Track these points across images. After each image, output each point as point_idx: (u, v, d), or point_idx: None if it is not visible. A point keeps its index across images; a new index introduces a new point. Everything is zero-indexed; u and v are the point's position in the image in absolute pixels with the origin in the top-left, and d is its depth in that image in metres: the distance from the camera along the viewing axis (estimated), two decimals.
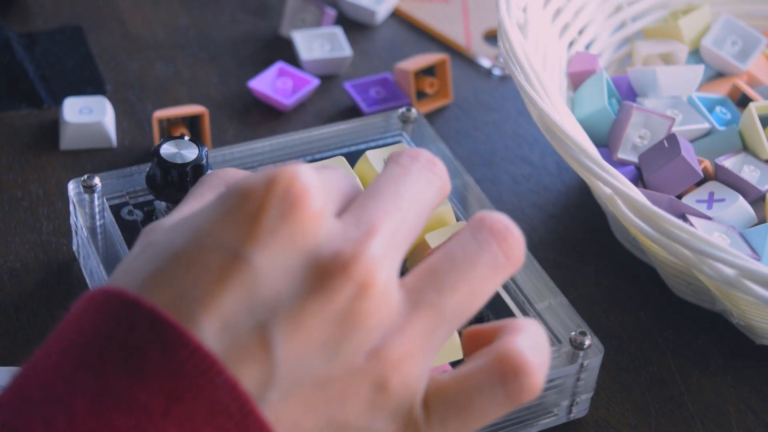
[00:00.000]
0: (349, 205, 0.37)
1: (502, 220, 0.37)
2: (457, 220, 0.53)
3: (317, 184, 0.35)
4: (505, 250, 0.37)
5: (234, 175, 0.41)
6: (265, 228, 0.34)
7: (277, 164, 0.36)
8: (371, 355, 0.34)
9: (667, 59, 0.68)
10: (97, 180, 0.55)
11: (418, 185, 0.37)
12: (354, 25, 0.77)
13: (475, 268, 0.36)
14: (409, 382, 0.34)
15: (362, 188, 0.39)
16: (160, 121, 0.64)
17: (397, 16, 0.79)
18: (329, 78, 0.72)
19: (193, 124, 0.65)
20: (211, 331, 0.32)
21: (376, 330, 0.34)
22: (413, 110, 0.61)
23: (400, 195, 0.37)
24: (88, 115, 0.65)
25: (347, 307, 0.33)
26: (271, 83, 0.70)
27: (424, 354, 0.35)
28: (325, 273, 0.33)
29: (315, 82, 0.70)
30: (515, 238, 0.37)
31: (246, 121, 0.69)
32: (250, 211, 0.34)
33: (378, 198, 0.36)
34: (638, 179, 0.60)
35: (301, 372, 0.33)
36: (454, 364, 0.49)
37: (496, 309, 0.52)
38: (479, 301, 0.36)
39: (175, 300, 0.33)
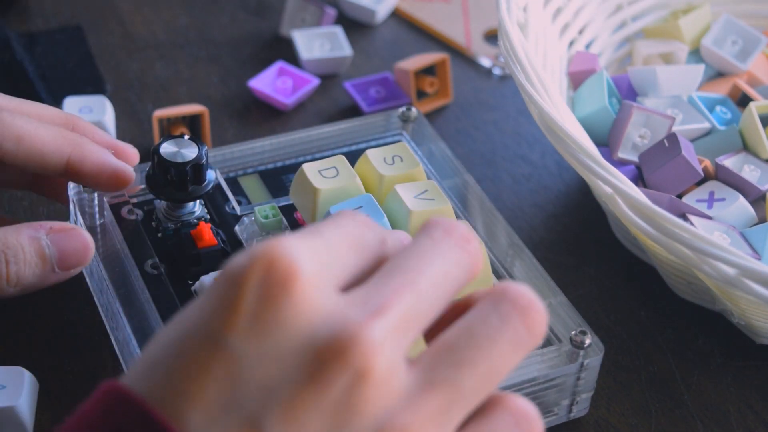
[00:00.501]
0: (365, 278, 0.35)
1: (526, 294, 0.35)
2: (458, 219, 0.53)
3: (308, 261, 0.33)
4: (528, 326, 0.35)
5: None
6: (245, 313, 0.32)
7: (269, 238, 0.34)
8: None
9: (667, 59, 0.68)
10: None
11: (445, 264, 0.35)
12: (354, 25, 0.77)
13: (497, 345, 0.34)
14: None
15: (384, 238, 0.36)
16: (160, 121, 0.64)
17: (397, 16, 0.79)
18: (329, 77, 0.72)
19: (193, 123, 0.65)
20: (197, 423, 0.31)
21: (378, 416, 0.32)
22: (413, 110, 0.61)
23: (422, 273, 0.34)
24: (88, 114, 0.65)
25: (344, 397, 0.31)
26: (271, 83, 0.70)
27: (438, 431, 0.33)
28: (319, 360, 0.31)
29: (315, 82, 0.70)
30: (539, 314, 0.35)
31: (246, 120, 0.69)
32: (231, 296, 0.32)
33: (395, 274, 0.34)
34: (638, 179, 0.60)
35: None
36: None
37: None
38: (499, 378, 0.35)
39: (164, 391, 0.32)
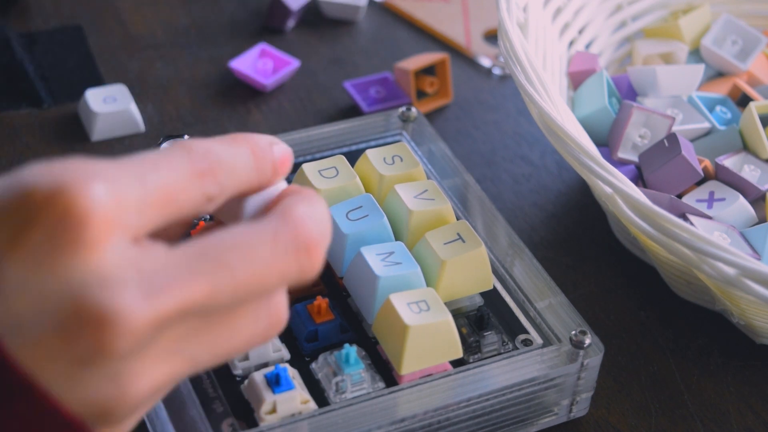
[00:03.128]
0: (172, 242, 0.35)
1: (312, 231, 0.36)
2: (458, 219, 0.53)
3: (105, 205, 0.32)
4: (301, 262, 0.36)
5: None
6: (29, 241, 0.31)
7: (75, 165, 0.33)
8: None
9: (667, 59, 0.68)
10: None
11: (264, 272, 0.35)
12: (354, 25, 0.77)
13: (263, 263, 0.35)
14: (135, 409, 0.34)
15: (220, 187, 0.36)
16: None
17: (396, 15, 0.79)
18: (335, 75, 0.72)
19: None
20: None
21: (110, 375, 0.33)
22: (413, 109, 0.61)
23: (229, 268, 0.34)
24: (113, 103, 0.66)
25: (84, 356, 0.32)
26: (252, 63, 0.70)
27: (178, 326, 0.34)
28: (74, 318, 0.31)
29: (295, 64, 0.71)
30: (315, 256, 0.36)
31: (246, 120, 0.69)
32: (21, 216, 0.32)
33: (201, 256, 0.34)
34: (638, 178, 0.60)
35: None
36: (455, 363, 0.49)
37: (496, 308, 0.52)
38: (253, 293, 0.35)
39: None
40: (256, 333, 0.37)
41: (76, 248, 0.32)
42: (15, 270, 0.31)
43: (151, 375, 0.34)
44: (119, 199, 0.33)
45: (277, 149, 0.39)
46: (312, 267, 0.36)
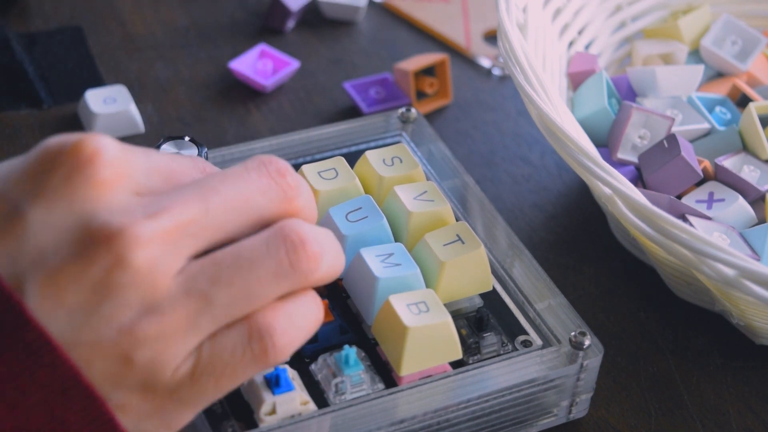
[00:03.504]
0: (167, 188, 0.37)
1: (299, 231, 0.38)
2: (457, 220, 0.53)
3: (116, 156, 0.36)
4: (292, 261, 0.37)
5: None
6: (48, 186, 0.35)
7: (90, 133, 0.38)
8: (121, 330, 0.35)
9: (667, 59, 0.68)
10: None
11: (247, 189, 0.38)
12: (354, 25, 0.77)
13: (257, 271, 0.37)
14: (157, 360, 0.35)
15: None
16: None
17: (396, 16, 0.79)
18: (335, 76, 0.72)
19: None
20: None
21: (129, 306, 0.35)
22: (413, 110, 0.61)
23: (217, 192, 0.37)
24: (113, 104, 0.66)
25: (102, 278, 0.34)
26: (251, 64, 0.70)
27: (183, 337, 0.36)
28: (87, 240, 0.35)
29: (295, 64, 0.70)
30: (308, 253, 0.38)
31: (246, 120, 0.69)
32: (42, 168, 0.35)
33: (191, 188, 0.37)
34: (638, 179, 0.60)
35: (49, 330, 0.34)
36: (454, 365, 0.49)
37: (495, 309, 0.52)
38: (255, 302, 0.37)
39: None
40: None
41: (87, 184, 0.35)
42: (37, 211, 0.35)
43: (166, 317, 0.36)
44: (128, 156, 0.37)
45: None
46: (309, 264, 0.38)
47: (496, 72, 0.75)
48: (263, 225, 0.38)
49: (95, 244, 0.34)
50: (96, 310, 0.34)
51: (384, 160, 0.55)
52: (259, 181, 0.38)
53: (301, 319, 0.39)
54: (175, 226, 0.36)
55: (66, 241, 0.35)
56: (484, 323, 0.50)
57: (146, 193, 0.37)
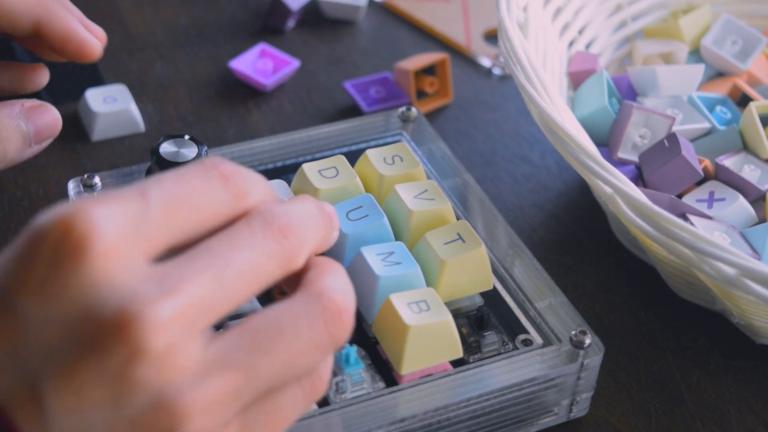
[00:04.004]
0: (175, 253, 0.34)
1: (338, 301, 0.37)
2: (458, 219, 0.53)
3: (111, 227, 0.32)
4: (331, 332, 0.36)
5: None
6: (37, 275, 0.32)
7: (79, 199, 0.33)
8: (160, 408, 0.32)
9: (667, 59, 0.68)
10: (97, 179, 0.55)
11: (256, 254, 0.35)
12: (354, 25, 0.77)
13: (298, 342, 0.36)
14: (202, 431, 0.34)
15: (245, 193, 0.36)
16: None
17: (396, 15, 0.79)
18: (335, 75, 0.72)
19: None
20: None
21: (157, 392, 0.32)
22: (413, 109, 0.61)
23: (229, 261, 0.35)
24: (113, 103, 0.66)
25: (121, 370, 0.32)
26: (252, 63, 0.70)
27: (226, 411, 0.34)
28: (97, 332, 0.32)
29: (295, 64, 0.71)
30: (345, 323, 0.37)
31: (246, 120, 0.69)
32: (25, 256, 0.32)
33: (202, 257, 0.34)
34: (638, 178, 0.60)
35: (82, 426, 0.32)
36: (455, 363, 0.49)
37: (496, 308, 0.52)
38: (293, 372, 0.36)
39: None
40: (300, 404, 0.37)
41: (80, 266, 0.32)
42: (29, 304, 0.32)
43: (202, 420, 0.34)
44: (123, 217, 0.33)
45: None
46: (343, 333, 0.37)
47: (497, 71, 0.75)
48: (269, 287, 0.37)
49: (107, 334, 0.31)
50: (124, 399, 0.32)
51: (384, 159, 0.55)
52: (266, 244, 0.36)
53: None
54: (191, 304, 0.33)
55: (74, 333, 0.32)
56: (484, 322, 0.50)
57: (156, 247, 0.34)
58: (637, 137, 0.60)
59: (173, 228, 0.35)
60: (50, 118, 0.53)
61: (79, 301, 0.32)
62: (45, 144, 0.53)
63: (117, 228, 0.33)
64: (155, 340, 0.32)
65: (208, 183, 0.36)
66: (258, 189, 0.37)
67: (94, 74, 0.71)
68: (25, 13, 0.52)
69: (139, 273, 0.33)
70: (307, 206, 0.38)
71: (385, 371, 0.48)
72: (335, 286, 0.37)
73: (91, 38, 0.53)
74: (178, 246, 0.35)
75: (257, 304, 0.49)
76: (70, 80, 0.70)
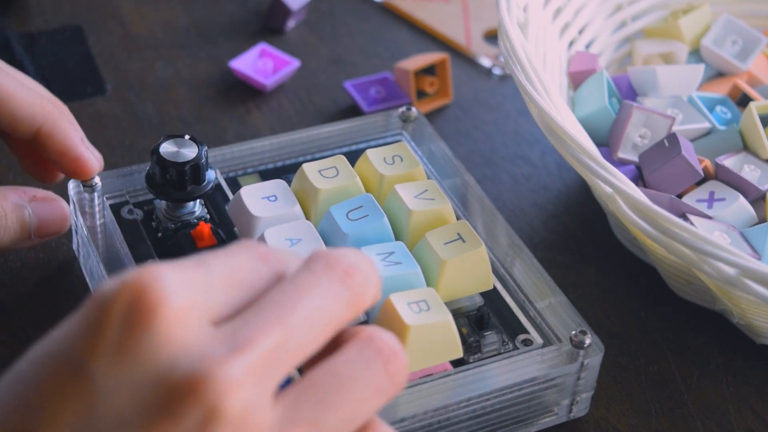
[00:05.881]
0: (240, 310, 0.34)
1: (390, 342, 0.36)
2: (458, 219, 0.53)
3: (179, 292, 0.32)
4: (390, 374, 0.36)
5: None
6: (108, 341, 0.32)
7: (146, 265, 0.33)
8: None
9: (667, 59, 0.68)
10: (97, 179, 0.55)
11: (321, 299, 0.35)
12: (354, 25, 0.77)
13: (359, 389, 0.35)
14: None
15: (283, 271, 0.36)
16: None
17: (396, 15, 0.79)
18: (335, 75, 0.72)
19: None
20: None
21: None
22: (413, 109, 0.61)
23: (294, 308, 0.34)
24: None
25: (204, 426, 0.31)
26: (252, 63, 0.70)
27: None
28: (172, 395, 0.31)
29: (295, 64, 0.71)
30: (401, 363, 0.36)
31: (246, 120, 0.69)
32: (96, 321, 0.32)
33: (267, 309, 0.34)
34: (638, 178, 0.60)
35: None
36: (455, 363, 0.49)
37: (496, 308, 0.52)
38: (359, 419, 0.35)
39: (19, 410, 0.32)
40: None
41: (152, 330, 0.32)
42: (101, 369, 0.31)
43: None
44: (189, 283, 0.33)
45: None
46: (403, 373, 0.37)
47: (497, 71, 0.75)
48: (337, 333, 0.37)
49: (181, 396, 0.31)
50: None
51: (385, 159, 0.55)
52: (330, 288, 0.35)
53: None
54: (262, 358, 0.33)
55: (146, 398, 0.31)
56: (484, 322, 0.50)
57: (218, 314, 0.34)
58: (637, 137, 0.60)
59: (232, 297, 0.34)
60: (58, 213, 0.53)
61: (152, 364, 0.32)
62: (47, 239, 0.53)
63: (185, 293, 0.32)
64: (230, 400, 0.32)
65: (252, 259, 0.36)
66: (293, 263, 0.37)
67: (94, 74, 0.71)
68: (28, 118, 0.52)
69: (209, 335, 0.33)
70: (355, 251, 0.38)
71: None
72: (381, 331, 0.37)
73: (89, 156, 0.54)
74: (234, 314, 0.35)
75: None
76: (70, 80, 0.70)
